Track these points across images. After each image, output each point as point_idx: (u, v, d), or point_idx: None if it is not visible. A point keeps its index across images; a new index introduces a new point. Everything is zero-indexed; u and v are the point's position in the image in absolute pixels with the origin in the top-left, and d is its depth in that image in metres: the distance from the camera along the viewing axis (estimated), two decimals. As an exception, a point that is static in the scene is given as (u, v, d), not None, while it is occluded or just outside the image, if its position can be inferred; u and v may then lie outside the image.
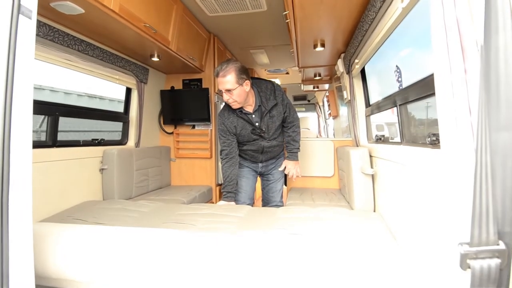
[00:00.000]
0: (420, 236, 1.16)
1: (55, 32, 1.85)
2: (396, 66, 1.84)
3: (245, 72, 1.94)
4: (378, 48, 1.86)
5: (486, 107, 0.64)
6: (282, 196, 2.46)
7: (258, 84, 2.08)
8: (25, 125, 0.68)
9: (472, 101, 0.77)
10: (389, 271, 1.15)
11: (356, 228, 1.64)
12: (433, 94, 1.17)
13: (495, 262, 0.58)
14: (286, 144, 2.27)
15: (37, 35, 1.73)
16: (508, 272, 0.59)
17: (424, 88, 1.23)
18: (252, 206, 2.33)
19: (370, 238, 1.49)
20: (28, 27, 0.68)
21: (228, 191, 2.12)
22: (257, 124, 2.08)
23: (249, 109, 2.05)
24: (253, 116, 2.07)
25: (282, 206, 2.38)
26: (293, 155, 2.26)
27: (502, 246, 0.58)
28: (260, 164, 2.34)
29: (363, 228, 1.64)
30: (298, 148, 2.26)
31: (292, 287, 1.04)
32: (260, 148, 2.19)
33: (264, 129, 2.09)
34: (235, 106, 1.98)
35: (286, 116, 2.14)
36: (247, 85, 1.93)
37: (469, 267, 0.59)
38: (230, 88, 1.87)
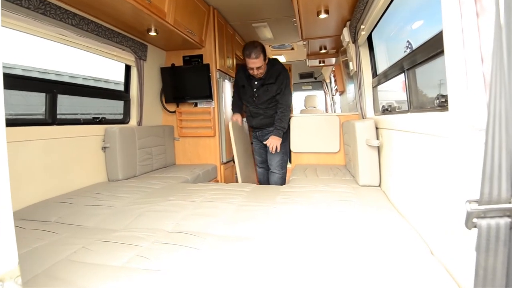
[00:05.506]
0: (428, 204, 1.11)
1: (46, 5, 1.78)
2: (408, 41, 1.74)
3: (266, 51, 2.52)
4: (385, 11, 1.73)
5: (500, 52, 0.55)
6: (280, 167, 2.78)
7: (272, 63, 2.60)
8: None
9: (484, 49, 0.69)
10: (389, 240, 1.11)
11: (357, 202, 1.60)
12: (441, 53, 1.07)
13: (504, 221, 0.52)
14: (275, 121, 2.64)
15: (27, 7, 1.68)
16: (520, 232, 0.53)
17: (433, 47, 1.13)
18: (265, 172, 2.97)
19: (372, 211, 1.45)
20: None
21: (233, 109, 2.98)
22: (254, 90, 2.61)
23: (258, 76, 2.55)
24: (256, 82, 2.59)
25: (279, 175, 2.79)
26: (275, 131, 2.61)
27: (514, 204, 0.52)
28: (258, 133, 2.87)
29: (365, 202, 1.60)
30: (282, 129, 2.61)
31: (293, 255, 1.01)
32: (249, 111, 2.78)
33: (256, 95, 2.62)
34: (259, 75, 2.54)
35: (278, 98, 2.60)
36: (266, 60, 2.51)
37: (475, 227, 0.53)
38: (260, 66, 2.45)
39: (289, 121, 2.87)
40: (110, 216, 1.50)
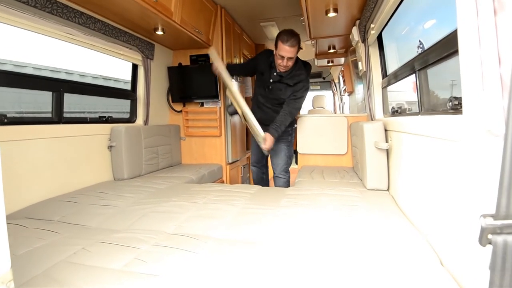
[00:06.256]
0: (438, 212, 1.05)
1: (53, 4, 1.79)
2: (419, 41, 1.68)
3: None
4: (396, 10, 1.67)
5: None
6: (285, 171, 2.66)
7: (300, 66, 2.36)
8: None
9: (502, 49, 0.64)
10: (397, 248, 1.06)
11: (365, 206, 1.55)
12: (455, 53, 1.02)
13: (524, 237, 0.48)
14: (277, 118, 2.37)
15: (34, 6, 1.69)
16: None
17: (446, 46, 1.07)
18: (262, 173, 2.88)
19: (379, 216, 1.40)
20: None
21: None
22: (271, 80, 2.40)
23: (281, 69, 2.31)
24: (275, 74, 2.37)
25: (285, 179, 2.67)
26: (272, 130, 2.32)
27: (535, 219, 0.48)
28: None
29: (373, 207, 1.55)
30: (278, 130, 2.33)
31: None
32: (256, 101, 2.61)
33: (269, 87, 2.43)
34: (285, 69, 2.29)
35: (287, 102, 2.37)
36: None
37: (489, 243, 0.49)
38: (292, 57, 2.20)
39: (296, 122, 2.76)
40: (113, 216, 1.49)
